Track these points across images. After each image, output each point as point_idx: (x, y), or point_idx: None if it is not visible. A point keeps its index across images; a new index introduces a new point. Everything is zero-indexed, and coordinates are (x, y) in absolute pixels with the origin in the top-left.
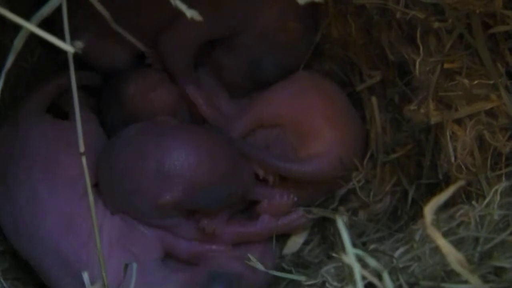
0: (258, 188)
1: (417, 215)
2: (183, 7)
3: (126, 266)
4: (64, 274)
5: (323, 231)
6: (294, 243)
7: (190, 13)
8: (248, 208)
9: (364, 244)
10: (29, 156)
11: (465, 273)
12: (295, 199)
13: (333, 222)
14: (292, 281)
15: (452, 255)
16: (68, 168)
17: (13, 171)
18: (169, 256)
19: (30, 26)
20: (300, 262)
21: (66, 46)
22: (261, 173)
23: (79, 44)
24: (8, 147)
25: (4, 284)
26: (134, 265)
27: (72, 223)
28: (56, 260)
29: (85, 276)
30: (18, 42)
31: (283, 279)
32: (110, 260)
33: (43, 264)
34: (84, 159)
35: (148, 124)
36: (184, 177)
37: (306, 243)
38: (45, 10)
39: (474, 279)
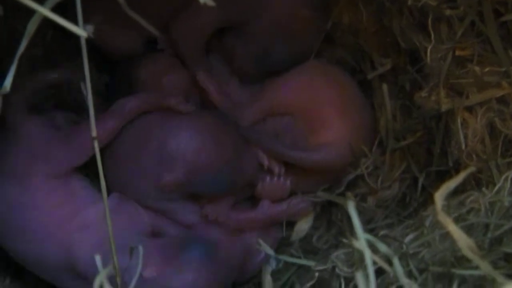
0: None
1: (427, 202)
2: None
3: (132, 249)
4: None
5: (329, 216)
6: (301, 228)
7: None
8: (253, 196)
9: (372, 230)
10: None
11: (475, 259)
12: (288, 180)
13: (340, 207)
14: (301, 266)
15: (463, 241)
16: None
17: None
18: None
19: (44, 11)
20: (308, 249)
21: (79, 31)
22: (265, 163)
23: (91, 27)
24: None
25: None
26: (141, 248)
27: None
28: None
29: (97, 258)
30: (32, 26)
31: (293, 265)
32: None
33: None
34: (96, 143)
35: None
36: (187, 159)
37: (314, 228)
38: None
39: (484, 265)
